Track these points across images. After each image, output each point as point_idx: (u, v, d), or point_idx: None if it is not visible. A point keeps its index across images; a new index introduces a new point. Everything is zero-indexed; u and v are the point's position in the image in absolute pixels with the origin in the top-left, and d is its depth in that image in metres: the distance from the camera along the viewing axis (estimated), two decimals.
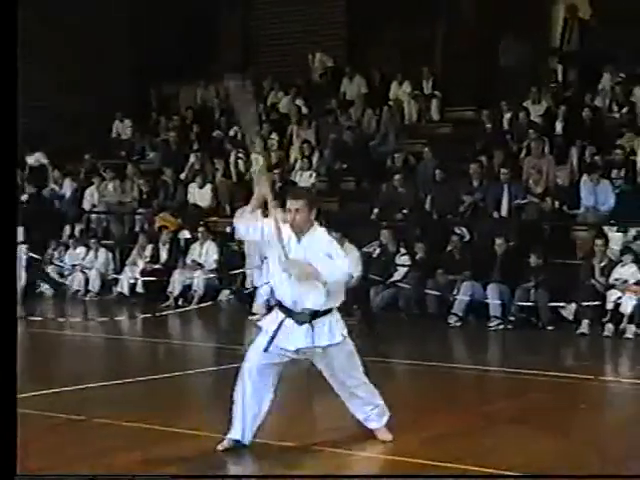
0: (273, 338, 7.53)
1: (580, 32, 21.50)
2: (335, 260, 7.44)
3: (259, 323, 7.93)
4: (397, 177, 18.54)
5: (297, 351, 7.61)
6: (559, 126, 19.48)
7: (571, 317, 15.26)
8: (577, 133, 18.89)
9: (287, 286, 7.50)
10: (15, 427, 5.67)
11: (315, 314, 7.48)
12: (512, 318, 15.42)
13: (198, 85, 25.24)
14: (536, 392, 10.70)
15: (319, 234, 7.59)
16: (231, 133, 22.82)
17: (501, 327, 15.31)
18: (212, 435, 8.09)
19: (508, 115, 20.22)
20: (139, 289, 18.86)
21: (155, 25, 24.76)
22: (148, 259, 19.00)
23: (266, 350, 7.55)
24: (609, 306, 14.71)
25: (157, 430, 8.33)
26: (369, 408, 7.94)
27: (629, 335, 14.43)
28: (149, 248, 19.13)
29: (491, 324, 15.37)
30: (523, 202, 17.36)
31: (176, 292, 18.15)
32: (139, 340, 15.30)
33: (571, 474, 7.17)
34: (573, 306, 15.25)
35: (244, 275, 18.08)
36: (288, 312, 7.53)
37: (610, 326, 14.59)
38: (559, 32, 22.19)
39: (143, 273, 18.79)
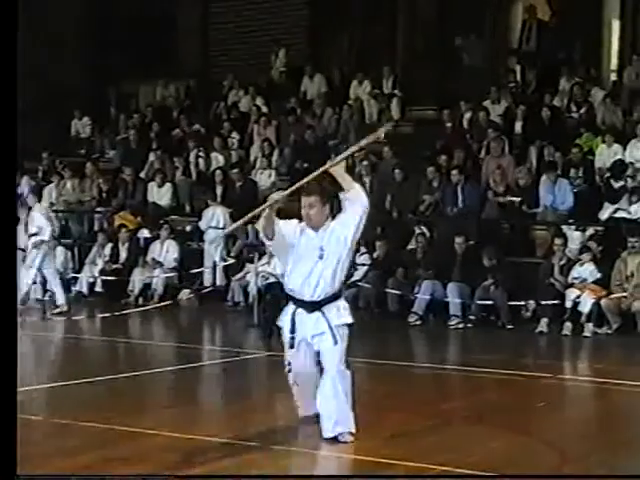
0: (292, 332, 7.77)
1: (539, 33, 21.65)
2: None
3: (278, 323, 8.10)
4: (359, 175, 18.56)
5: (313, 337, 7.75)
6: (518, 126, 19.60)
7: (530, 316, 15.36)
8: (536, 133, 19.01)
9: (298, 277, 7.72)
10: (15, 428, 5.66)
11: (323, 301, 7.71)
12: (472, 317, 15.49)
13: (158, 83, 25.14)
14: (494, 390, 10.75)
15: (335, 227, 7.76)
16: (190, 131, 22.75)
17: (461, 326, 15.37)
18: (171, 434, 8.07)
19: (468, 115, 20.30)
20: (98, 288, 18.76)
21: (113, 23, 24.64)
22: (107, 258, 18.89)
23: (292, 347, 7.77)
24: (568, 305, 14.82)
25: (116, 430, 8.28)
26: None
27: (587, 334, 14.54)
28: (108, 247, 19.03)
29: (451, 323, 15.43)
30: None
31: (136, 291, 18.07)
32: (98, 339, 15.21)
33: (529, 472, 7.21)
34: (532, 305, 15.34)
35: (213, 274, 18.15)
36: (300, 302, 7.77)
37: (569, 325, 14.70)
38: (518, 32, 22.33)
39: (102, 272, 18.69)
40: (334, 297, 7.84)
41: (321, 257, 7.73)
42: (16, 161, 5.91)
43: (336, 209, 8.13)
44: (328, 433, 7.78)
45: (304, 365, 7.89)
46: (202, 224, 18.75)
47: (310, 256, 7.76)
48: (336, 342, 7.75)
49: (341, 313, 7.86)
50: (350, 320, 7.88)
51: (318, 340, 7.80)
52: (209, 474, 7.11)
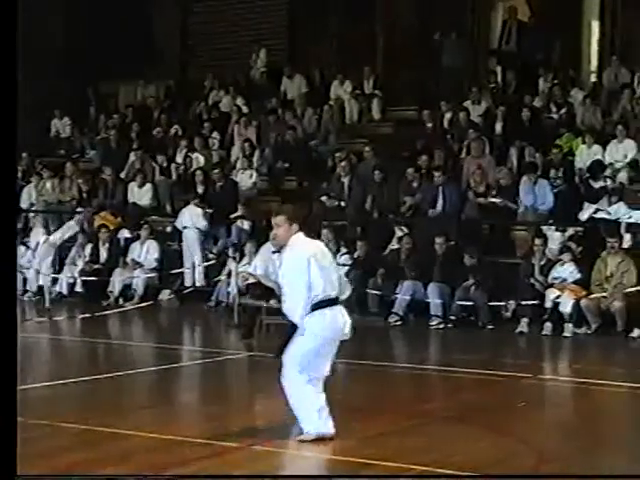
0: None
1: (519, 33, 21.71)
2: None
3: None
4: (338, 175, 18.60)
5: None
6: (499, 126, 19.64)
7: (510, 316, 15.41)
8: (516, 133, 19.06)
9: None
10: (15, 428, 5.64)
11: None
12: (452, 317, 15.51)
13: (138, 83, 25.09)
14: (475, 390, 10.76)
15: (294, 250, 7.94)
16: (172, 132, 22.72)
17: (441, 326, 15.39)
18: (152, 435, 8.05)
19: (448, 115, 20.33)
20: (78, 289, 18.69)
21: (94, 23, 24.54)
22: (87, 259, 18.83)
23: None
24: (548, 305, 14.86)
25: (96, 431, 8.26)
26: None
27: (567, 334, 14.58)
28: (88, 247, 18.97)
29: (432, 323, 15.45)
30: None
31: (116, 292, 18.03)
32: (78, 340, 15.17)
33: (510, 472, 7.22)
34: (512, 305, 15.38)
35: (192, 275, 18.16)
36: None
37: (549, 325, 14.74)
38: (498, 33, 22.38)
39: (82, 273, 18.62)
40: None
41: (283, 277, 8.06)
42: (16, 160, 5.90)
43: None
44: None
45: None
46: (178, 223, 18.73)
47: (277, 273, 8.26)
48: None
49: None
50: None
51: None
52: (190, 474, 7.10)
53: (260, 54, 23.89)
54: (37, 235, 19.24)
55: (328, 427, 7.89)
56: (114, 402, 9.85)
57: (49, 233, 19.62)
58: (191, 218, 18.53)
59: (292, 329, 7.95)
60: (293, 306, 7.89)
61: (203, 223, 18.44)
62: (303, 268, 7.85)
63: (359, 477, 7.18)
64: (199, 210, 18.57)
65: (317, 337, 7.88)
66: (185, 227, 18.55)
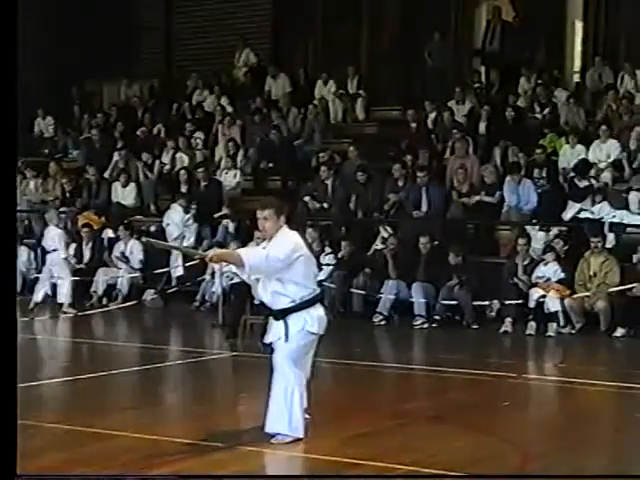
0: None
1: (503, 33, 21.75)
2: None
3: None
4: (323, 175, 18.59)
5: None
6: (482, 126, 19.67)
7: (495, 315, 15.43)
8: (500, 133, 19.10)
9: (261, 290, 8.03)
10: (15, 428, 5.64)
11: (284, 312, 7.94)
12: (437, 317, 15.52)
13: (121, 83, 25.03)
14: (459, 390, 10.77)
15: (279, 237, 7.92)
16: (155, 131, 22.68)
17: (425, 326, 15.39)
18: (135, 435, 8.03)
19: (433, 115, 20.35)
20: None
21: (77, 22, 24.48)
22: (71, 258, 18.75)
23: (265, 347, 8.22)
24: (532, 304, 14.88)
25: (80, 431, 8.24)
26: None
27: (551, 333, 14.61)
28: (72, 247, 18.89)
29: (416, 323, 15.45)
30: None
31: (99, 291, 17.97)
32: (61, 340, 15.13)
33: (494, 472, 7.23)
34: (496, 304, 15.40)
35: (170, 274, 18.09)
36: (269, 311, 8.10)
37: (533, 324, 14.76)
38: (482, 33, 22.42)
39: None
40: (292, 309, 7.97)
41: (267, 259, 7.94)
42: (16, 158, 5.91)
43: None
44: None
45: None
46: (165, 222, 18.72)
47: None
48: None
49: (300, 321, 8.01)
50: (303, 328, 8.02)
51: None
52: (173, 474, 7.08)
53: (244, 54, 23.87)
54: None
55: (301, 430, 7.89)
56: (97, 402, 9.81)
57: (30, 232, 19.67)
58: (174, 216, 18.50)
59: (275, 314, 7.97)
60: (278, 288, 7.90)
61: (188, 221, 18.45)
62: (289, 253, 7.83)
63: (344, 477, 7.17)
64: (181, 208, 18.55)
65: (306, 333, 7.93)
66: (168, 224, 18.52)
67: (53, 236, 17.03)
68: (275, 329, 8.00)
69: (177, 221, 18.51)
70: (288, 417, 7.85)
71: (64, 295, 16.91)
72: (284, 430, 7.87)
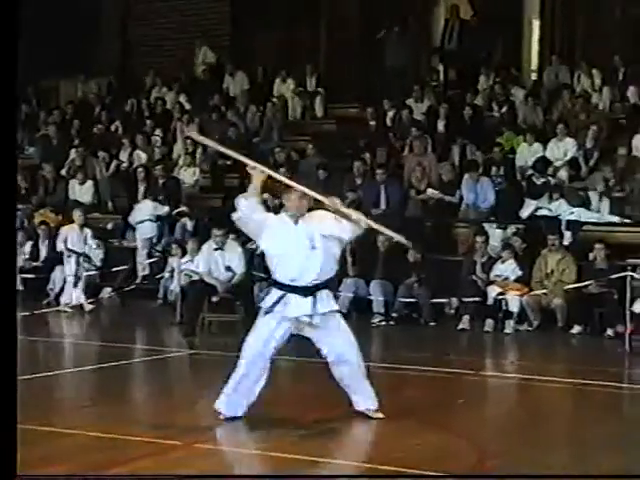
0: (275, 305, 8.22)
1: (461, 32, 21.85)
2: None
3: (261, 304, 8.44)
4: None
5: (297, 319, 8.28)
6: (441, 124, 19.74)
7: (453, 313, 15.48)
8: (458, 131, 19.17)
9: (291, 263, 8.20)
10: (15, 428, 5.60)
11: (316, 287, 8.25)
12: (395, 314, 15.54)
13: (78, 79, 24.86)
14: (417, 387, 10.78)
15: (317, 214, 8.46)
16: (112, 128, 22.55)
17: (384, 323, 15.41)
18: (93, 434, 7.97)
19: (391, 113, 20.40)
20: (18, 286, 18.43)
21: (34, 18, 24.25)
22: (27, 256, 18.61)
23: (267, 313, 8.21)
24: (489, 302, 14.95)
25: (35, 430, 8.15)
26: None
27: (508, 330, 14.69)
28: (28, 245, 18.75)
29: (374, 320, 15.46)
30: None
31: (56, 289, 17.82)
32: (18, 338, 14.95)
33: (452, 469, 7.24)
34: (455, 302, 15.46)
35: (130, 272, 17.96)
36: (291, 288, 8.21)
37: (490, 321, 14.83)
38: (441, 31, 22.50)
39: (22, 270, 18.37)
40: (324, 285, 8.35)
41: (313, 248, 8.27)
42: (16, 159, 5.83)
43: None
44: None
45: (260, 354, 8.25)
46: (132, 219, 18.59)
47: (303, 246, 8.28)
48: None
49: (330, 300, 8.44)
50: (334, 308, 8.53)
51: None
52: (129, 473, 7.04)
53: (202, 51, 23.80)
54: None
55: (239, 411, 8.29)
56: (53, 401, 9.74)
57: None
58: (149, 210, 18.42)
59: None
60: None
61: (165, 209, 18.40)
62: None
63: (302, 477, 7.15)
64: (151, 203, 18.50)
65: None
66: (142, 221, 18.40)
67: None
68: (323, 301, 8.26)
69: (148, 214, 18.40)
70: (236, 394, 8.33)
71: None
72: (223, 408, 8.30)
